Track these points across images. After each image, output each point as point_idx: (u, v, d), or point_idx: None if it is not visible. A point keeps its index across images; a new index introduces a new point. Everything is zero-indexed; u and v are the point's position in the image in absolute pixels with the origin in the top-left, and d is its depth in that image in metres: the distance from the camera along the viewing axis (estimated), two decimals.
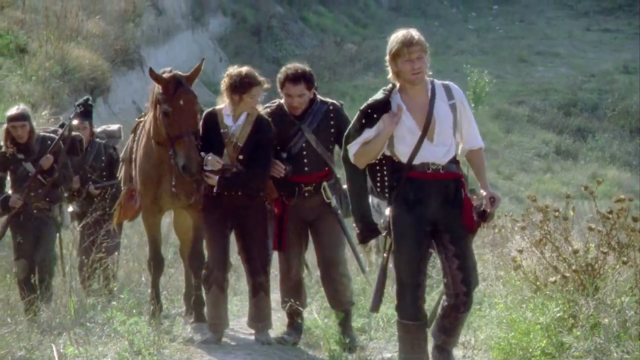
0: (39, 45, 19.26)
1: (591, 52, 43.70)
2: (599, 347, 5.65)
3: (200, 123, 6.97)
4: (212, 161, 6.79)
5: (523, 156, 32.24)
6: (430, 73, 5.74)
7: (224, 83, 6.87)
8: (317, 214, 6.97)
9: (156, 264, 7.57)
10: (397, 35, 5.61)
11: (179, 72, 6.98)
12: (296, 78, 6.81)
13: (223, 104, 6.96)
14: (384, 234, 5.77)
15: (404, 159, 5.61)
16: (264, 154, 6.87)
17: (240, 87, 6.79)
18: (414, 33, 5.62)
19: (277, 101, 7.09)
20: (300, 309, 7.01)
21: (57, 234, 8.27)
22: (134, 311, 7.43)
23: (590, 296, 6.19)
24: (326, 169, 6.97)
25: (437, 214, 5.58)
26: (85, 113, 9.07)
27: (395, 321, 5.81)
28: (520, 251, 7.26)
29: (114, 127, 9.97)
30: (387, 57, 5.63)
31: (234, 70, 6.88)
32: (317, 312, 7.81)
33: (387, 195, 5.71)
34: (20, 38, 19.32)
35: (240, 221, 6.99)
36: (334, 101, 7.11)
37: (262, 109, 6.98)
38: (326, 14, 43.54)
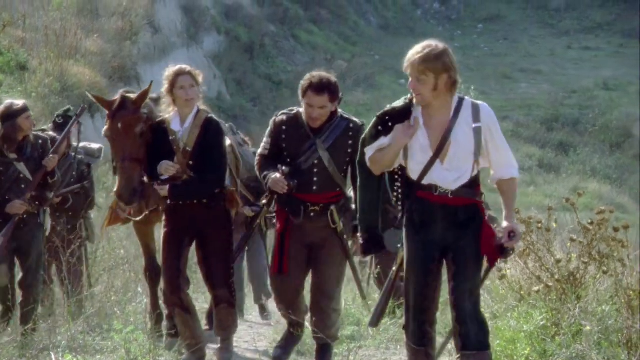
0: (39, 63, 19.25)
1: (572, 69, 43.84)
2: (581, 354, 5.65)
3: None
4: (166, 167, 6.21)
5: None
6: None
7: (165, 77, 6.36)
8: (322, 238, 6.22)
9: (152, 273, 7.23)
10: (415, 47, 4.93)
11: (129, 95, 6.49)
12: (320, 88, 6.02)
13: (169, 113, 6.38)
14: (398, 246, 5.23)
15: (414, 176, 5.06)
16: (216, 157, 6.30)
17: (168, 81, 6.30)
18: (424, 49, 4.89)
19: (295, 109, 6.28)
20: (295, 318, 6.38)
21: (43, 240, 7.48)
22: (132, 320, 7.41)
23: (572, 305, 6.20)
24: (337, 190, 6.20)
25: (446, 239, 5.00)
26: (65, 125, 8.25)
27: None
28: (505, 261, 7.26)
29: (95, 146, 9.02)
30: None
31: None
32: (307, 321, 7.79)
33: (400, 208, 5.18)
34: (21, 56, 19.31)
35: (200, 232, 6.36)
36: (356, 120, 6.25)
37: (279, 114, 6.31)
38: (317, 32, 43.58)
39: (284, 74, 36.35)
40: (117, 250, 10.32)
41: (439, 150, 4.97)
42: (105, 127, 6.42)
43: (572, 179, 31.33)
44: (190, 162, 6.26)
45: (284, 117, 6.24)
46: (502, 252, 5.07)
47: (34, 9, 22.09)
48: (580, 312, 6.05)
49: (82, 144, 8.71)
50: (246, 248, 9.86)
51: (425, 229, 5.02)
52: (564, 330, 6.01)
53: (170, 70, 6.37)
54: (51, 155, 7.33)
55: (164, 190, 6.21)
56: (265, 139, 6.34)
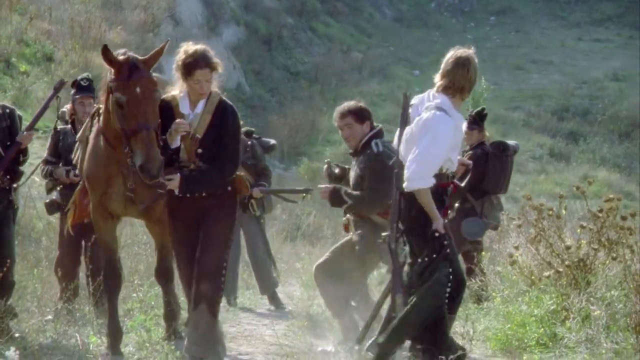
0: (64, 54, 19.36)
1: (583, 60, 43.56)
2: (590, 338, 5.64)
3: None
4: (178, 125, 5.45)
5: (519, 158, 32.04)
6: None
7: (181, 59, 5.65)
8: None
9: (111, 279, 5.98)
10: None
11: (135, 55, 5.66)
12: (343, 114, 6.52)
13: (177, 90, 5.71)
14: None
15: None
16: (233, 144, 5.63)
17: (213, 61, 5.66)
18: None
19: None
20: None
21: (14, 221, 6.63)
22: (154, 303, 7.43)
23: (581, 290, 6.19)
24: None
25: None
26: (90, 88, 7.43)
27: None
28: (517, 247, 7.25)
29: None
30: None
31: (191, 45, 5.67)
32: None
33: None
34: (47, 47, 19.41)
35: (207, 220, 5.62)
36: (376, 150, 6.39)
37: None
38: (333, 24, 43.46)
39: (302, 65, 36.28)
40: (139, 236, 10.34)
41: None
42: (118, 93, 5.50)
43: (582, 167, 31.20)
44: (199, 151, 5.56)
45: None
46: None
47: (59, 2, 22.19)
48: (590, 297, 6.04)
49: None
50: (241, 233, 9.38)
51: None
52: (573, 314, 6.00)
53: (206, 51, 5.71)
54: (28, 132, 6.52)
55: (174, 181, 5.48)
56: None
